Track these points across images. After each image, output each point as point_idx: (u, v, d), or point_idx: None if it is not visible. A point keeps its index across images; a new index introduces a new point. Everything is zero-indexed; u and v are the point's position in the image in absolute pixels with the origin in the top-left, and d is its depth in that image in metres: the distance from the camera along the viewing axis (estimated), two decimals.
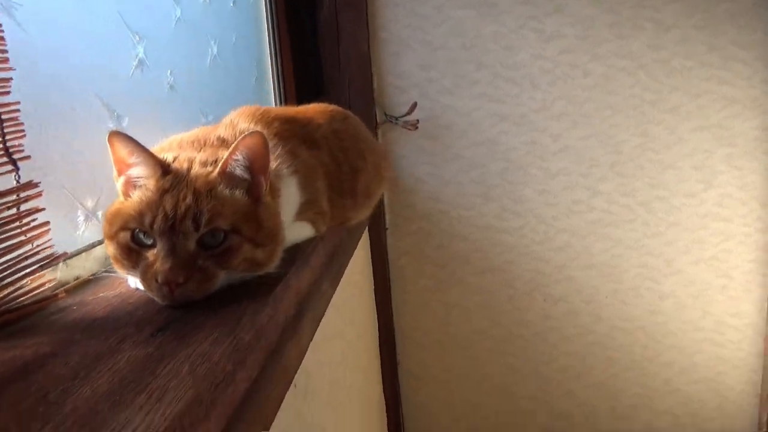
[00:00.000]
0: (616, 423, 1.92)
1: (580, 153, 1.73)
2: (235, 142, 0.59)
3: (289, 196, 0.71)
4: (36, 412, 0.37)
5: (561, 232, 1.80)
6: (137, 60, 0.87)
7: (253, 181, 0.61)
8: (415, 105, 1.70)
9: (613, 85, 1.68)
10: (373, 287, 1.83)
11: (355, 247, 1.15)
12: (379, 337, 1.86)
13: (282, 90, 1.60)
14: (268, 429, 0.54)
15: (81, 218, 0.71)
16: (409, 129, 1.71)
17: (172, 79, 0.98)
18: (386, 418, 1.88)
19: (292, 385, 0.63)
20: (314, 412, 0.84)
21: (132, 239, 0.57)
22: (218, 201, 0.58)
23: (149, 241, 0.57)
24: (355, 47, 1.69)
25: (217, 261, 0.57)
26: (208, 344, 0.45)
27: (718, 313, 1.81)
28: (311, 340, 0.71)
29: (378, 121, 1.75)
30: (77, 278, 0.68)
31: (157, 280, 0.54)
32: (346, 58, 1.69)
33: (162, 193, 0.57)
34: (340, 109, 1.04)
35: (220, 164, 0.60)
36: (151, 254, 0.56)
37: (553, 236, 1.81)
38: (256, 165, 0.61)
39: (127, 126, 0.83)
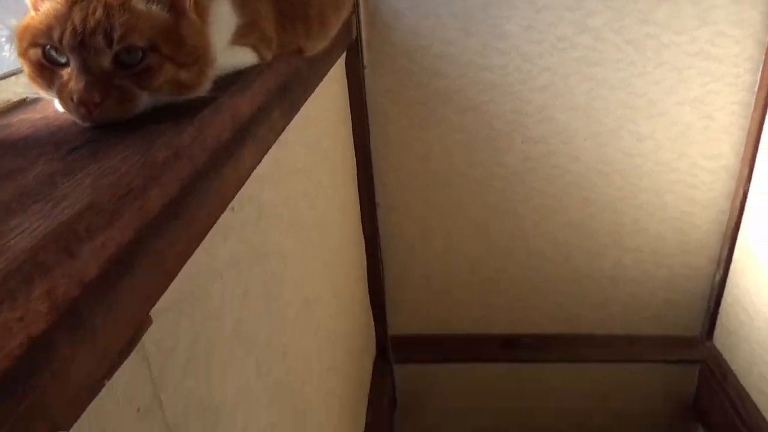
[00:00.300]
0: (588, 260, 2.03)
1: None
2: None
3: (223, 17, 0.66)
4: None
5: (544, 70, 1.73)
6: None
7: None
8: None
9: None
10: (351, 127, 1.81)
11: (319, 82, 1.11)
12: (358, 176, 1.88)
13: None
14: (198, 243, 0.56)
15: (3, 39, 0.68)
16: None
17: None
18: (365, 254, 1.98)
19: (229, 208, 0.64)
20: (269, 240, 0.88)
21: (44, 56, 0.54)
22: (132, 15, 0.54)
23: (63, 59, 0.54)
24: None
25: (136, 81, 0.55)
26: (117, 160, 0.45)
27: (694, 155, 1.82)
28: (254, 168, 0.72)
29: None
30: (7, 101, 0.66)
31: (72, 99, 0.53)
32: None
33: (71, 5, 0.53)
34: None
35: None
36: (65, 73, 0.54)
37: (536, 75, 1.75)
38: None
39: None
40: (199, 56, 0.59)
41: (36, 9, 0.56)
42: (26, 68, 0.56)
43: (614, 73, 1.72)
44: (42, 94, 0.58)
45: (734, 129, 1.77)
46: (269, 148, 0.79)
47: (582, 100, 1.77)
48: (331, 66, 1.27)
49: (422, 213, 2.00)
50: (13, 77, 0.67)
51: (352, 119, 1.78)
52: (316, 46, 0.95)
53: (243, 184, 0.68)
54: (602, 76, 1.73)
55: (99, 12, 0.53)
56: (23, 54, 0.55)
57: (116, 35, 0.53)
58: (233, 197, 0.65)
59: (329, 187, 1.39)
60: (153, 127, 0.54)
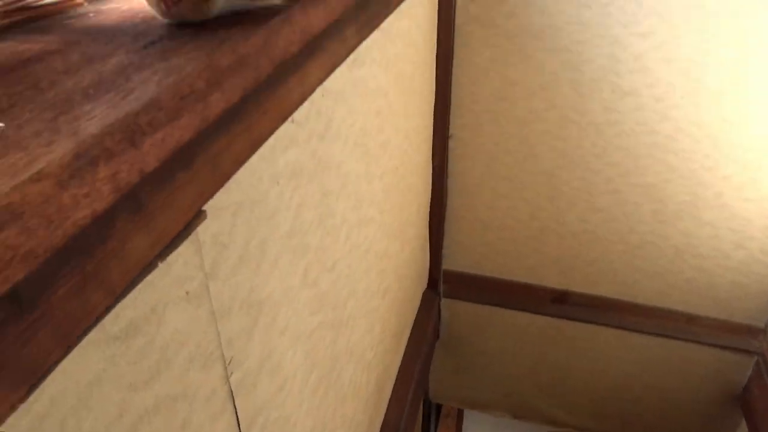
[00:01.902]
0: (655, 225, 1.94)
1: None
2: None
3: None
4: (24, 95, 0.42)
5: (651, 14, 1.60)
6: None
7: None
8: None
9: None
10: (436, 53, 1.77)
11: (402, 1, 1.08)
12: (435, 105, 1.85)
13: None
14: (255, 150, 0.59)
15: None
16: None
17: None
18: (430, 184, 1.99)
19: (289, 120, 0.66)
20: (334, 152, 0.90)
21: None
22: None
23: None
24: None
25: None
26: (183, 60, 0.47)
27: None
28: (321, 83, 0.73)
29: None
30: None
31: None
32: None
33: None
34: None
35: None
36: None
37: (641, 19, 1.61)
38: None
39: None
40: None
41: None
42: None
43: (727, 31, 1.56)
44: None
45: None
46: (340, 63, 0.79)
47: (687, 53, 1.63)
48: None
49: (492, 151, 1.96)
50: None
51: (438, 44, 1.73)
52: None
53: (307, 97, 0.69)
54: (714, 30, 1.57)
55: None
56: None
57: None
58: (296, 109, 0.67)
59: (402, 110, 1.39)
60: (222, 31, 0.55)
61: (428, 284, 2.20)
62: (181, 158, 0.45)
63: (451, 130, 1.95)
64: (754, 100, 1.64)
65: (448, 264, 2.21)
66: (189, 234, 0.51)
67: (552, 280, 2.14)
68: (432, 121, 1.87)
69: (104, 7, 0.63)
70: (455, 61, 1.81)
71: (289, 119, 0.66)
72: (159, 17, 0.57)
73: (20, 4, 0.56)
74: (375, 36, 0.95)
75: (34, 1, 0.58)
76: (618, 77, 1.72)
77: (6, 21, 0.55)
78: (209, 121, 0.48)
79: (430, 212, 2.05)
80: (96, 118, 0.38)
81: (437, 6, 1.68)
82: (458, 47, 1.79)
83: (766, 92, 1.62)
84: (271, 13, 0.60)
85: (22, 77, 0.45)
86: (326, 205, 0.92)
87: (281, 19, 0.59)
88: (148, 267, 0.45)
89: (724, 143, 1.73)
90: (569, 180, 1.95)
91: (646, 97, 1.73)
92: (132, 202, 0.40)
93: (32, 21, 0.58)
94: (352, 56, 0.84)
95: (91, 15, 0.61)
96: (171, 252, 0.48)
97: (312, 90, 0.70)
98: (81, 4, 0.62)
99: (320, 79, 0.72)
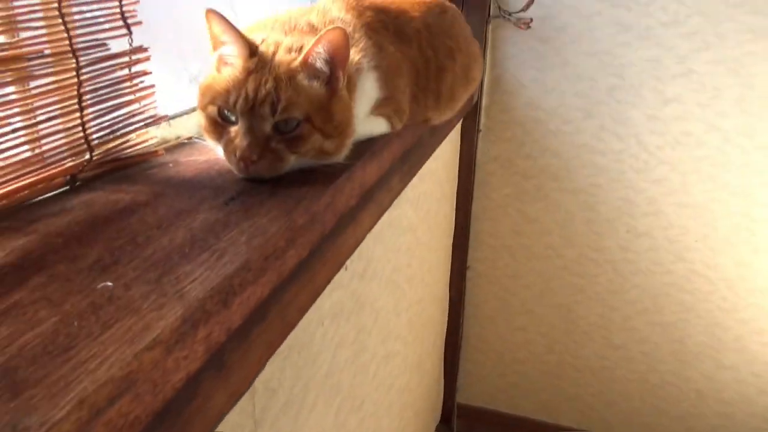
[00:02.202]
0: (676, 366, 1.91)
1: (704, 81, 1.57)
2: (318, 35, 0.62)
3: (367, 91, 0.73)
4: (125, 250, 0.46)
5: (662, 164, 1.69)
6: None
7: (331, 75, 0.64)
8: (532, 1, 1.59)
9: (762, 5, 1.47)
10: (456, 189, 1.85)
11: (437, 147, 1.17)
12: (454, 239, 1.91)
13: None
14: (316, 299, 0.61)
15: (186, 81, 0.79)
16: (521, 27, 1.62)
17: None
18: (447, 315, 1.99)
19: (343, 267, 0.69)
20: (371, 290, 0.92)
21: (218, 114, 0.63)
22: (296, 90, 0.62)
23: (232, 118, 0.62)
24: None
25: (288, 145, 0.62)
26: (266, 220, 0.52)
27: None
28: (370, 230, 0.77)
29: (491, 14, 1.66)
30: (178, 137, 0.76)
31: (235, 155, 0.60)
32: None
33: (247, 74, 0.62)
34: (440, 0, 1.01)
35: (302, 54, 0.63)
36: (233, 130, 0.62)
37: (653, 167, 1.71)
38: (336, 60, 0.63)
39: None
40: (343, 130, 0.66)
41: (218, 70, 0.65)
42: (203, 120, 0.65)
43: (738, 179, 1.64)
44: (209, 142, 0.67)
45: None
46: (385, 211, 0.84)
47: (698, 200, 1.70)
48: (450, 131, 1.33)
49: (509, 284, 1.99)
50: (185, 116, 0.78)
51: (458, 181, 1.82)
52: (443, 117, 1.01)
53: (359, 245, 0.73)
54: (724, 180, 1.66)
55: (269, 84, 0.61)
56: (203, 108, 0.64)
57: (280, 107, 0.61)
58: (349, 257, 0.70)
59: (427, 244, 1.43)
60: (295, 189, 0.60)
61: (441, 418, 2.11)
62: (259, 314, 0.48)
63: (469, 262, 1.99)
64: (765, 247, 1.68)
65: (462, 397, 2.14)
66: (251, 384, 0.52)
67: (568, 418, 2.06)
68: (450, 253, 1.92)
69: (182, 158, 0.69)
70: (475, 197, 1.90)
71: (343, 267, 0.69)
72: (235, 173, 0.63)
73: (111, 156, 0.62)
74: (413, 180, 1.01)
75: (120, 153, 0.64)
76: (632, 219, 1.78)
77: (98, 171, 0.61)
78: (284, 276, 0.51)
79: (446, 343, 2.03)
80: (197, 281, 0.41)
81: (459, 146, 1.79)
82: (478, 184, 1.88)
83: None
84: (334, 170, 0.65)
85: (119, 230, 0.49)
86: (360, 342, 0.92)
87: (346, 178, 0.64)
88: (218, 420, 0.46)
89: (740, 287, 1.75)
90: (586, 315, 1.95)
91: (660, 239, 1.78)
92: (217, 360, 0.42)
93: (119, 170, 0.63)
94: (395, 202, 0.89)
95: (170, 165, 0.66)
96: (236, 404, 0.49)
97: (363, 237, 0.74)
98: (161, 155, 0.68)
99: (370, 227, 0.77)
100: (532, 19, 1.60)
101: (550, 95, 1.73)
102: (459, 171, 1.83)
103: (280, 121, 0.61)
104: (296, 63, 0.63)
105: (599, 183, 1.78)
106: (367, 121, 0.76)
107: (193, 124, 0.80)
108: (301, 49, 0.64)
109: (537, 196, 1.85)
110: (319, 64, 0.63)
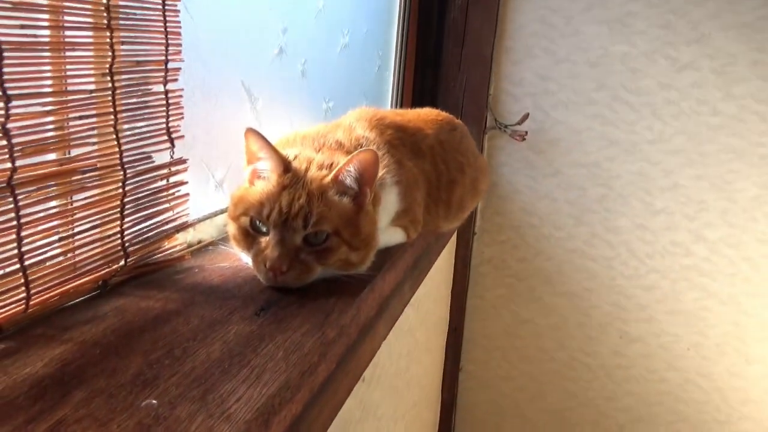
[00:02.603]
0: None
1: (690, 194, 1.66)
2: (351, 156, 0.66)
3: (389, 204, 0.77)
4: (164, 364, 0.46)
5: (652, 272, 1.74)
6: (279, 48, 0.96)
7: (360, 191, 0.68)
8: (526, 116, 1.70)
9: (741, 129, 1.58)
10: (451, 290, 1.87)
11: (440, 252, 1.20)
12: (447, 339, 1.90)
13: (401, 82, 1.66)
14: (336, 413, 0.61)
15: (211, 187, 0.82)
16: (517, 139, 1.72)
17: (304, 66, 1.07)
18: (439, 417, 1.94)
19: (361, 379, 0.69)
20: (375, 398, 0.91)
21: (250, 224, 0.65)
22: (327, 205, 0.65)
23: (264, 229, 0.65)
24: (478, 50, 1.71)
25: (316, 257, 0.64)
26: (299, 334, 0.53)
27: None
28: (385, 338, 0.78)
29: (487, 126, 1.77)
30: (200, 241, 0.78)
31: (265, 265, 0.62)
32: (468, 59, 1.72)
33: (281, 188, 0.65)
34: (449, 118, 1.08)
35: (334, 171, 0.67)
36: (264, 241, 0.64)
37: (643, 274, 1.75)
38: (365, 178, 0.67)
39: (260, 108, 0.92)
40: (369, 242, 0.69)
41: (251, 183, 0.69)
42: (233, 229, 0.67)
43: (726, 288, 1.69)
44: (237, 250, 0.69)
45: None
46: (398, 318, 0.86)
47: (688, 308, 1.74)
48: (452, 236, 1.37)
49: (501, 387, 1.96)
50: (207, 220, 0.80)
51: (453, 282, 1.84)
52: (451, 226, 1.05)
53: (375, 354, 0.73)
54: (712, 289, 1.70)
55: (303, 199, 0.64)
56: (235, 218, 0.67)
57: (312, 221, 0.64)
58: (366, 367, 0.70)
59: (425, 345, 1.43)
60: (322, 301, 0.62)
61: None
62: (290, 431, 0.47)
63: (462, 363, 1.97)
64: (756, 357, 1.70)
65: None
66: None
67: None
68: (444, 353, 1.90)
69: (206, 264, 0.70)
70: (469, 297, 1.91)
71: (361, 378, 0.69)
72: (263, 282, 0.64)
73: (142, 261, 0.63)
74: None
75: (150, 258, 0.65)
76: (625, 324, 1.80)
77: (128, 275, 0.62)
78: (314, 391, 0.51)
79: None
80: (242, 401, 0.41)
81: (455, 247, 1.83)
82: (472, 285, 1.91)
83: (764, 350, 1.69)
84: (356, 280, 0.67)
85: (154, 341, 0.50)
86: None
87: (369, 290, 0.66)
88: None
89: (734, 398, 1.75)
90: (579, 423, 1.91)
91: (653, 346, 1.79)
92: None
93: (148, 274, 0.65)
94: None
95: (196, 270, 0.68)
96: None
97: (379, 347, 0.75)
98: (187, 259, 0.70)
99: (385, 336, 0.77)
100: (527, 132, 1.70)
101: (543, 202, 1.80)
102: (454, 272, 1.86)
103: (311, 234, 0.64)
104: (327, 180, 0.67)
105: (591, 287, 1.81)
106: (386, 231, 0.79)
107: (215, 229, 0.83)
108: (331, 166, 0.69)
109: (530, 297, 1.88)
110: (349, 181, 0.67)
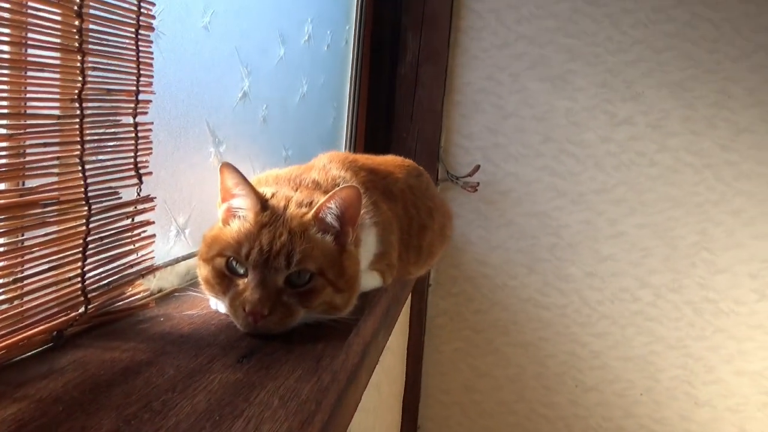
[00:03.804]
0: None
1: (634, 241, 1.72)
2: (332, 192, 0.63)
3: (367, 246, 0.74)
4: (143, 419, 0.40)
5: (603, 318, 1.77)
6: (242, 92, 0.94)
7: (342, 230, 0.65)
8: (477, 168, 1.74)
9: (677, 179, 1.68)
10: (407, 344, 1.83)
11: (405, 301, 1.16)
12: (404, 395, 1.84)
13: (354, 133, 1.66)
14: None
15: (173, 233, 0.76)
16: (469, 191, 1.74)
17: (266, 112, 1.04)
18: None
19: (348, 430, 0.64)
20: None
21: (226, 266, 0.60)
22: (310, 243, 0.61)
23: (241, 270, 0.60)
24: (429, 104, 1.75)
25: (299, 299, 0.60)
26: (293, 381, 0.48)
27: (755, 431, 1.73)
28: (366, 387, 0.73)
29: (439, 177, 1.79)
30: (161, 290, 0.71)
31: (244, 309, 0.57)
32: (419, 112, 1.76)
33: (260, 227, 0.61)
34: (414, 164, 1.08)
35: (314, 208, 0.63)
36: (242, 283, 0.59)
37: (595, 321, 1.78)
38: (347, 215, 0.64)
39: (224, 151, 0.88)
40: (353, 284, 0.65)
41: (226, 223, 0.64)
42: (206, 272, 0.61)
43: (672, 332, 1.74)
44: (209, 296, 0.63)
45: None
46: (375, 367, 0.81)
47: (639, 353, 1.77)
48: (411, 286, 1.34)
49: None
50: (168, 267, 0.74)
51: (409, 336, 1.80)
52: (420, 272, 1.02)
53: (358, 404, 0.68)
54: (660, 333, 1.75)
55: (284, 237, 0.60)
56: (209, 260, 0.61)
57: (295, 259, 0.59)
58: (352, 419, 0.65)
59: (386, 402, 1.36)
60: (309, 345, 0.57)
61: None
62: None
63: (420, 421, 1.90)
64: (705, 400, 1.74)
65: None
66: None
67: None
68: (400, 414, 1.83)
69: (172, 311, 0.64)
70: (426, 352, 1.87)
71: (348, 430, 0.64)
72: (240, 328, 0.59)
73: (103, 309, 0.57)
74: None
75: (111, 306, 0.58)
76: (580, 372, 1.81)
77: (86, 325, 0.55)
78: None
79: None
80: None
81: (410, 300, 1.80)
82: (429, 339, 1.87)
83: (711, 392, 1.73)
84: (341, 325, 0.63)
85: (127, 394, 0.43)
86: None
87: (355, 334, 0.62)
88: None
89: None
90: None
91: (608, 393, 1.80)
92: None
93: (108, 324, 0.58)
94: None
95: (162, 319, 0.61)
96: None
97: (361, 396, 0.70)
98: (151, 307, 0.63)
99: (366, 384, 0.72)
100: (479, 183, 1.73)
101: (496, 252, 1.82)
102: (410, 326, 1.82)
103: (294, 274, 0.60)
104: (309, 216, 0.63)
105: (546, 336, 1.82)
106: (365, 275, 0.75)
107: (176, 277, 0.76)
108: (311, 204, 0.65)
109: (487, 350, 1.86)
110: (330, 219, 0.64)
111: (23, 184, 0.48)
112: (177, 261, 0.76)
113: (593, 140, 1.72)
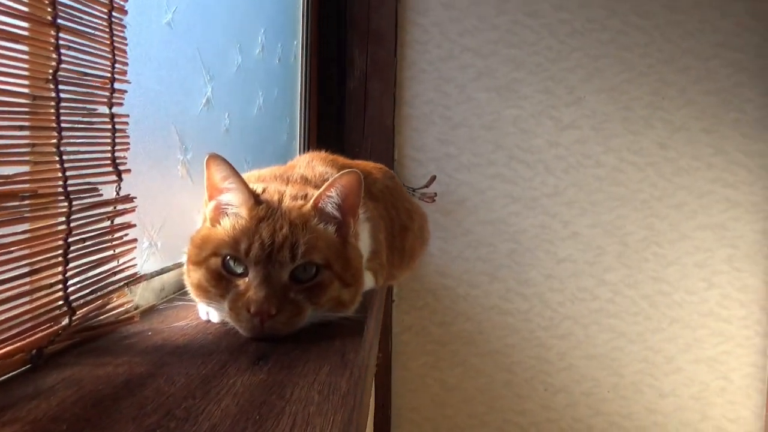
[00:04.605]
0: None
1: (588, 241, 1.77)
2: (331, 179, 0.59)
3: (363, 242, 0.70)
4: (168, 427, 0.34)
5: (566, 319, 1.80)
6: (206, 98, 0.88)
7: (343, 221, 0.61)
8: (434, 178, 1.74)
9: (622, 178, 1.75)
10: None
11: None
12: (374, 416, 1.77)
13: (307, 148, 1.62)
14: None
15: (145, 245, 0.69)
16: (427, 201, 1.73)
17: (228, 122, 0.99)
18: None
19: None
20: None
21: (223, 266, 0.54)
22: (313, 234, 0.57)
23: (239, 270, 0.54)
24: (380, 117, 1.74)
25: (307, 295, 0.55)
26: (324, 375, 0.43)
27: (717, 417, 1.79)
28: (372, 389, 0.68)
29: None
30: (137, 307, 0.64)
31: (248, 310, 0.51)
32: (371, 126, 1.74)
33: (258, 221, 0.56)
34: (386, 168, 1.06)
35: (313, 198, 0.59)
36: (242, 282, 0.54)
37: (558, 323, 1.80)
38: (347, 204, 0.60)
39: (191, 158, 0.82)
40: (359, 278, 0.61)
41: (215, 222, 0.58)
42: (199, 276, 0.55)
43: (632, 327, 1.79)
44: (201, 302, 0.57)
45: (752, 392, 1.78)
46: (373, 374, 0.76)
47: (602, 351, 1.80)
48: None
49: None
50: (144, 283, 0.67)
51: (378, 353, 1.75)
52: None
53: (369, 407, 0.63)
54: (620, 329, 1.79)
55: (285, 229, 0.55)
56: (201, 262, 0.55)
57: (300, 251, 0.55)
58: (367, 420, 0.60)
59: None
60: (324, 342, 0.52)
61: None
62: None
63: None
64: (668, 390, 1.79)
65: None
66: None
67: None
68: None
69: (158, 325, 0.57)
70: (393, 369, 1.82)
71: None
72: (244, 333, 0.53)
73: (85, 323, 0.49)
74: None
75: (93, 320, 0.51)
76: (548, 376, 1.81)
77: (67, 342, 0.47)
78: None
79: None
80: None
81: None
82: (396, 356, 1.82)
83: (673, 383, 1.78)
84: (350, 322, 0.58)
85: (140, 405, 0.37)
86: None
87: (366, 331, 0.57)
88: None
89: None
90: None
91: (576, 394, 1.81)
92: None
93: (88, 342, 0.50)
94: None
95: (149, 333, 0.55)
96: None
97: (369, 400, 0.65)
98: (136, 321, 0.56)
99: (372, 386, 0.67)
100: (436, 194, 1.73)
101: (456, 262, 1.81)
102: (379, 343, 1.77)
103: (299, 268, 0.55)
104: (308, 207, 0.59)
105: (512, 343, 1.82)
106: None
107: (152, 293, 0.69)
108: (306, 197, 0.61)
109: (455, 362, 1.83)
110: (330, 209, 0.60)
111: None
112: (152, 276, 0.68)
113: (542, 145, 1.76)
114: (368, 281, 0.75)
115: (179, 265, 0.73)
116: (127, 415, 0.36)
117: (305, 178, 0.69)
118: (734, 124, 1.71)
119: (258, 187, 0.62)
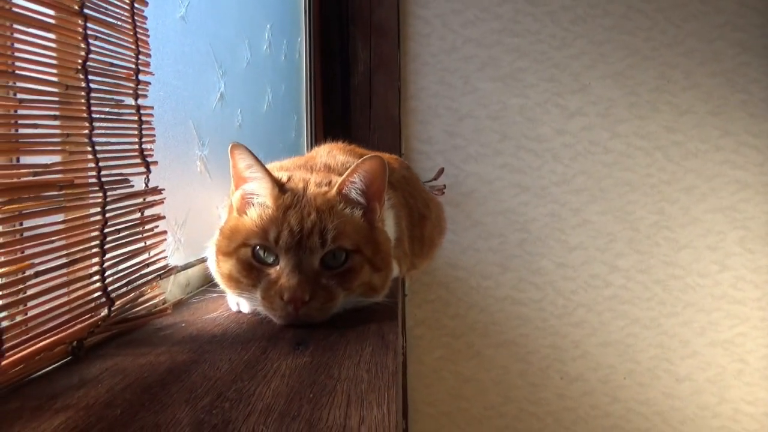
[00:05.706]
0: None
1: (599, 228, 1.76)
2: (354, 165, 0.59)
3: (388, 229, 0.69)
4: (223, 408, 0.34)
5: (579, 306, 1.79)
6: (219, 93, 0.88)
7: (368, 206, 0.60)
8: (442, 171, 1.73)
9: (631, 163, 1.74)
10: None
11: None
12: None
13: (313, 143, 1.62)
14: None
15: (170, 240, 0.68)
16: (436, 194, 1.73)
17: (241, 118, 0.99)
18: None
19: None
20: None
21: (253, 255, 0.54)
22: (341, 219, 0.56)
23: (270, 259, 0.54)
24: (385, 111, 1.74)
25: (339, 281, 0.55)
26: (368, 355, 0.43)
27: (735, 399, 1.79)
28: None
29: None
30: (165, 302, 0.64)
31: (282, 298, 0.51)
32: (377, 120, 1.74)
33: (284, 209, 0.56)
34: (401, 159, 1.05)
35: (337, 184, 0.59)
36: (274, 271, 0.53)
37: (571, 311, 1.80)
38: (372, 189, 0.60)
39: (207, 154, 0.82)
40: (388, 263, 0.61)
41: (242, 212, 0.58)
42: (230, 266, 0.55)
43: (645, 312, 1.78)
44: (232, 292, 0.56)
45: None
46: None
47: (616, 337, 1.79)
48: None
49: None
50: (171, 278, 0.66)
51: None
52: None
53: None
54: (634, 315, 1.79)
55: (313, 215, 0.55)
56: (231, 253, 0.55)
57: (330, 236, 0.54)
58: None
59: None
60: (359, 326, 0.52)
61: None
62: None
63: None
64: (684, 375, 1.78)
65: None
66: None
67: None
68: None
69: (189, 317, 0.57)
70: (408, 363, 1.82)
71: None
72: (278, 321, 0.53)
73: (122, 314, 0.49)
74: None
75: (129, 312, 0.51)
76: (563, 364, 1.81)
77: (106, 334, 0.47)
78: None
79: None
80: (370, 425, 0.31)
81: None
82: (410, 350, 1.82)
83: (689, 367, 1.78)
84: (381, 307, 0.58)
85: (189, 389, 0.37)
86: None
87: (398, 315, 0.57)
88: None
89: (673, 419, 1.80)
90: None
91: (593, 381, 1.81)
92: None
93: (124, 334, 0.50)
94: None
95: (183, 325, 0.54)
96: None
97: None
98: (169, 313, 0.56)
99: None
100: (445, 186, 1.73)
101: (467, 253, 1.80)
102: None
103: (329, 254, 0.55)
104: (332, 193, 0.58)
105: (526, 333, 1.81)
106: None
107: (178, 288, 0.69)
108: (330, 183, 0.61)
109: (469, 354, 1.83)
110: (354, 194, 0.59)
111: (18, 160, 0.41)
112: (182, 269, 0.68)
113: (549, 134, 1.76)
114: (396, 270, 0.75)
115: (202, 261, 0.73)
116: (178, 398, 0.36)
117: (328, 166, 0.69)
118: (741, 104, 1.71)
119: (283, 176, 0.61)
